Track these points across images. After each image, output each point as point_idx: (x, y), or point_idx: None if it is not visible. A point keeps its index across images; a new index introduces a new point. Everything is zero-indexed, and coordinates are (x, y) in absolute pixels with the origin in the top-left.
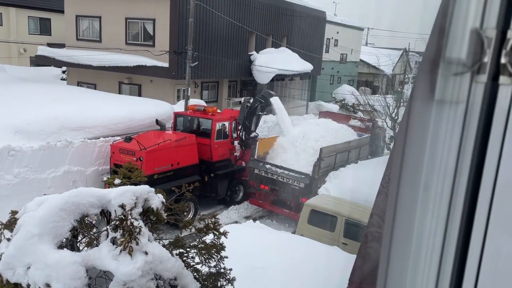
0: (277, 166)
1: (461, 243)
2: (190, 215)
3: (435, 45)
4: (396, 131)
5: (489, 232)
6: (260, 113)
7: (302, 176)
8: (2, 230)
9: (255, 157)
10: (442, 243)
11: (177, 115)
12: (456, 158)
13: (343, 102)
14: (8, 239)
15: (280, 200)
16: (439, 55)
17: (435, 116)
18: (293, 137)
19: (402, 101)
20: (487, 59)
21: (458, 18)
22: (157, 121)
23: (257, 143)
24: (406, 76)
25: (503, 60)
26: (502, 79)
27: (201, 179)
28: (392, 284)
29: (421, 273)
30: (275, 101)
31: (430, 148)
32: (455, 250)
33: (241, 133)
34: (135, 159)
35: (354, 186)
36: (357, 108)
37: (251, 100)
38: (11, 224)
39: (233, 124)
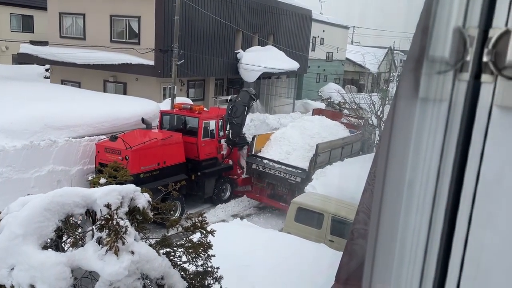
0: (274, 161)
1: (445, 238)
2: (177, 214)
3: (419, 44)
4: (382, 129)
5: (472, 227)
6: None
7: (299, 171)
8: None
9: (253, 152)
10: (427, 238)
11: (163, 113)
12: (440, 154)
13: (329, 100)
14: None
15: (276, 194)
16: (423, 53)
17: (419, 113)
18: (289, 133)
19: (387, 99)
20: (469, 57)
21: (441, 17)
22: (143, 119)
23: (255, 139)
24: (391, 75)
25: (485, 58)
26: (484, 77)
27: (188, 177)
28: (378, 279)
29: (406, 268)
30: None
31: (414, 145)
32: (439, 245)
33: (228, 132)
34: (120, 158)
35: (340, 184)
36: (343, 106)
37: (239, 98)
38: None
39: (220, 122)
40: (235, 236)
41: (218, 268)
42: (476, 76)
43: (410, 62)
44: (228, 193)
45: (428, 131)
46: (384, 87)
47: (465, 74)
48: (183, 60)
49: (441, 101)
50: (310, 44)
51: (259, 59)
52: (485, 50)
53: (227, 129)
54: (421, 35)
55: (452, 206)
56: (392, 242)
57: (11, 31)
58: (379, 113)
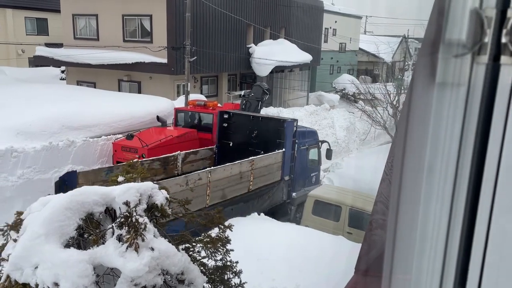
0: None
1: (467, 226)
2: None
3: (434, 27)
4: (398, 119)
5: (494, 214)
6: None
7: None
8: (8, 231)
9: None
10: (448, 226)
11: (178, 110)
12: (459, 140)
13: (343, 91)
14: (15, 240)
15: None
16: (439, 37)
17: (436, 99)
18: None
19: (402, 88)
20: (487, 39)
21: None
22: (158, 117)
23: None
24: (406, 63)
25: (503, 39)
26: (503, 59)
27: None
28: (398, 269)
29: (427, 257)
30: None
31: (432, 132)
32: (461, 233)
33: None
34: (137, 156)
35: (357, 176)
36: (358, 97)
37: (252, 93)
38: (17, 225)
39: None
40: (253, 230)
41: (237, 262)
42: (495, 58)
43: (426, 46)
44: None
45: (446, 116)
46: (399, 76)
47: (483, 57)
48: (195, 57)
49: (459, 85)
50: (323, 36)
51: (271, 53)
52: (504, 31)
53: None
54: (436, 18)
55: (473, 192)
56: (412, 231)
57: (27, 35)
58: (394, 102)
